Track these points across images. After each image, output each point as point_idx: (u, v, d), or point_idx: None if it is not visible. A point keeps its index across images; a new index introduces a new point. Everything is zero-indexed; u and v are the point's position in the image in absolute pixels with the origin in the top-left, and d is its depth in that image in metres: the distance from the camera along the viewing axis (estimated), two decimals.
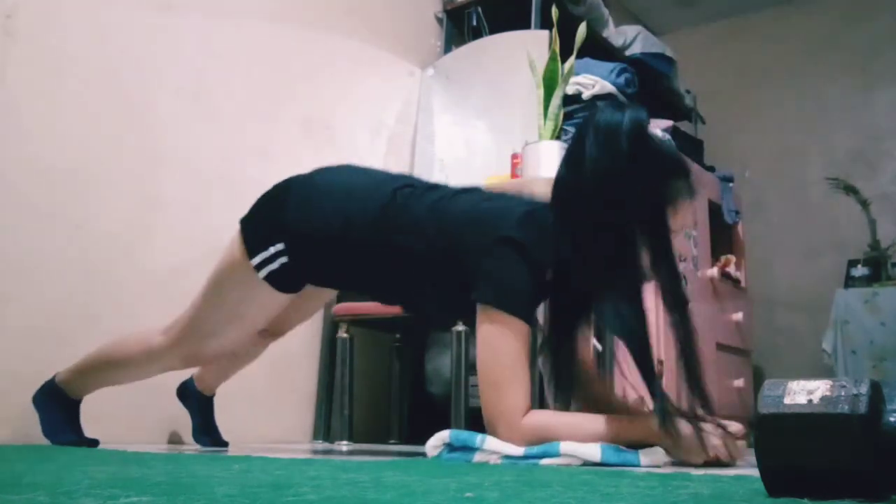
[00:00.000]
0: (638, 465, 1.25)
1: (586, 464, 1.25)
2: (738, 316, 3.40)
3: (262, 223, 1.57)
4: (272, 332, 1.82)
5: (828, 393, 0.66)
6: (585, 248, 1.36)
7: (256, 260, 1.53)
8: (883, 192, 4.12)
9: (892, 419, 0.66)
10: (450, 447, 1.36)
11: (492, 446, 1.32)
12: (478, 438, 1.34)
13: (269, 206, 1.59)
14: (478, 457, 1.32)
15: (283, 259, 1.52)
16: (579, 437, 1.32)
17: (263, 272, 1.53)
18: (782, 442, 0.66)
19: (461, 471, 1.05)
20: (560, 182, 1.42)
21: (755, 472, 0.71)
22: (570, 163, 1.40)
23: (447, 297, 1.52)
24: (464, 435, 1.36)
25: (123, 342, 1.73)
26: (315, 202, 1.53)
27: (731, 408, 3.21)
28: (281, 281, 1.55)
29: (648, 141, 1.37)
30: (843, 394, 0.65)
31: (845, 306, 3.61)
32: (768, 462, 0.68)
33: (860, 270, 3.82)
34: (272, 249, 1.52)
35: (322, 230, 1.50)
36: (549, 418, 1.38)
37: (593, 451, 1.26)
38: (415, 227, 1.45)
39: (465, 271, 1.40)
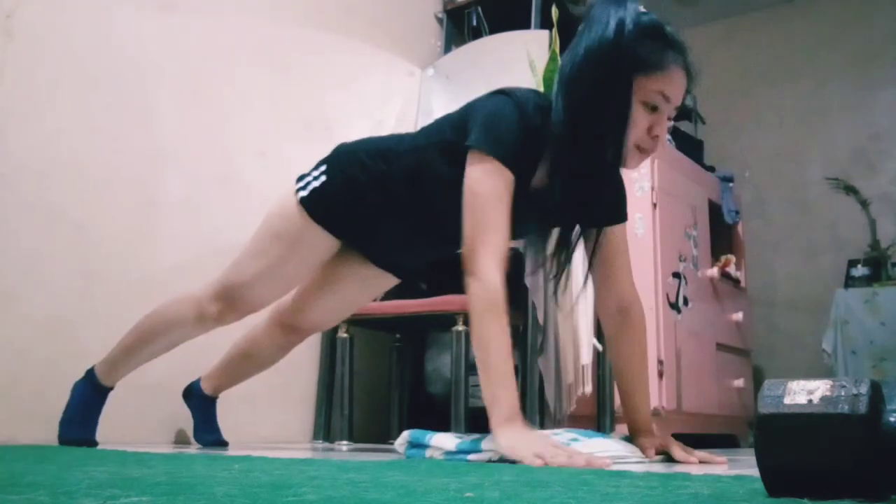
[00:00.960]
0: None
1: (503, 459, 1.30)
2: (738, 316, 3.40)
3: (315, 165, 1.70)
4: (295, 328, 1.84)
5: (828, 393, 0.66)
6: (578, 118, 1.40)
7: (299, 185, 1.65)
8: (883, 192, 4.12)
9: (892, 419, 0.66)
10: (410, 444, 1.50)
11: (437, 443, 1.44)
12: (427, 436, 1.47)
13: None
14: (428, 452, 1.45)
15: (323, 178, 1.63)
16: (484, 350, 1.35)
17: (303, 192, 1.63)
18: (782, 442, 0.66)
19: (461, 471, 1.05)
20: (562, 65, 1.48)
21: (755, 472, 0.71)
22: (570, 53, 1.46)
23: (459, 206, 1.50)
24: (418, 434, 1.49)
25: (161, 304, 1.78)
26: (359, 142, 1.70)
27: (731, 408, 3.21)
28: (316, 204, 1.62)
29: (640, 23, 1.39)
30: (843, 394, 0.65)
31: (845, 306, 3.61)
32: (768, 462, 0.68)
33: (860, 270, 3.82)
34: (315, 172, 1.66)
35: (361, 147, 1.66)
36: (502, 302, 1.37)
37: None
38: (433, 127, 1.61)
39: (465, 138, 1.46)
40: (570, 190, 1.47)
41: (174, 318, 1.76)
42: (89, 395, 1.80)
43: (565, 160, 1.44)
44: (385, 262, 1.77)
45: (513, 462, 1.26)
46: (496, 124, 1.43)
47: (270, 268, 1.68)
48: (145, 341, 1.78)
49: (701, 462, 1.44)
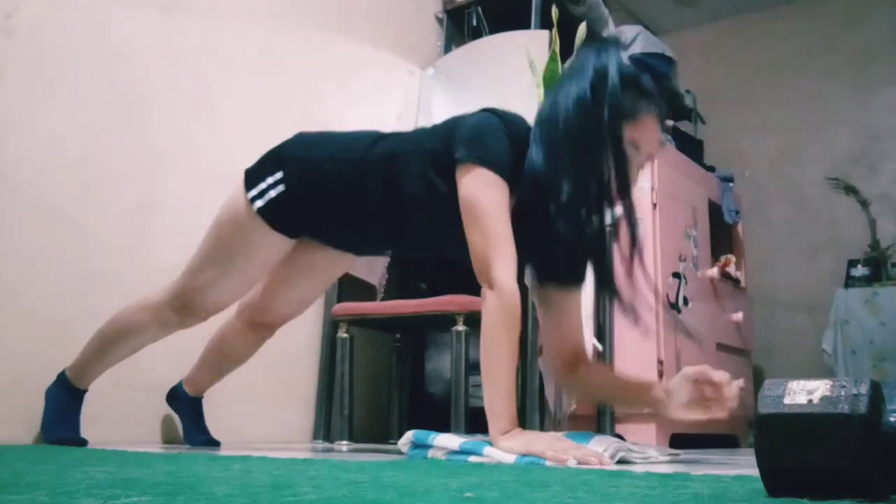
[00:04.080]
0: (542, 465, 1.28)
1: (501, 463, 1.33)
2: (738, 316, 3.40)
3: (262, 162, 1.63)
4: (262, 324, 1.83)
5: (828, 393, 0.66)
6: (555, 159, 1.40)
7: (253, 192, 1.58)
8: (883, 192, 4.12)
9: (892, 419, 0.66)
10: (413, 444, 1.51)
11: (440, 443, 1.45)
12: (430, 437, 1.47)
13: (271, 151, 1.65)
14: (431, 452, 1.46)
15: (281, 188, 1.57)
16: (490, 364, 1.37)
17: (260, 202, 1.57)
18: (782, 442, 0.66)
19: (461, 471, 1.05)
20: (541, 108, 1.49)
21: (755, 472, 0.70)
22: (550, 93, 1.49)
23: (440, 217, 1.50)
24: (421, 434, 1.50)
25: (121, 310, 1.77)
26: (316, 140, 1.63)
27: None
28: (275, 214, 1.57)
29: (615, 75, 1.40)
30: (843, 394, 0.65)
31: (845, 306, 3.61)
32: (768, 462, 0.68)
33: (860, 270, 3.82)
34: (270, 180, 1.58)
35: (322, 154, 1.58)
36: (506, 335, 1.37)
37: (507, 458, 1.32)
38: (408, 137, 1.58)
39: (447, 154, 1.45)
40: (535, 234, 1.46)
41: (136, 324, 1.75)
42: (64, 398, 1.80)
43: (536, 199, 1.43)
44: (345, 247, 1.75)
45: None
46: (485, 137, 1.44)
47: (226, 272, 1.66)
48: (110, 346, 1.78)
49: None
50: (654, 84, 1.45)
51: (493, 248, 1.38)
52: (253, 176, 1.62)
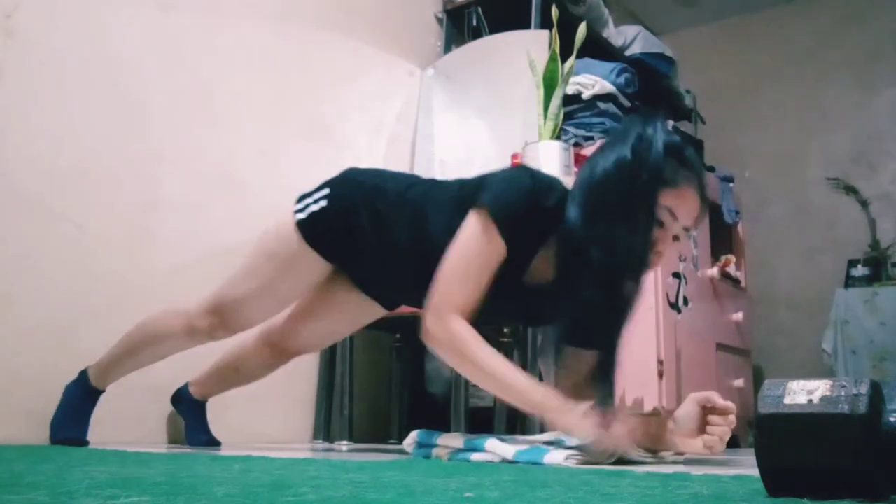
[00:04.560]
0: (541, 464, 1.27)
1: (504, 460, 1.33)
2: (738, 316, 3.40)
3: (317, 186, 1.68)
4: (285, 350, 1.85)
5: (828, 393, 0.66)
6: (592, 221, 1.38)
7: (298, 206, 1.63)
8: (883, 192, 4.12)
9: (892, 419, 0.66)
10: (418, 444, 1.52)
11: (444, 442, 1.45)
12: (434, 436, 1.49)
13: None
14: (435, 452, 1.46)
15: (323, 202, 1.61)
16: (484, 371, 1.36)
17: (301, 214, 1.61)
18: (782, 442, 0.66)
19: (461, 471, 1.05)
20: (582, 170, 1.48)
21: (755, 472, 0.70)
22: (589, 161, 1.46)
23: None
24: (425, 434, 1.52)
25: (155, 315, 1.79)
26: (366, 170, 1.74)
27: None
28: (312, 228, 1.61)
29: (660, 140, 1.39)
30: (843, 394, 0.65)
31: (845, 306, 3.61)
32: (768, 462, 0.68)
33: (860, 270, 3.82)
34: (316, 195, 1.64)
35: (367, 178, 1.66)
36: (472, 339, 1.38)
37: (507, 452, 1.33)
38: (445, 183, 1.62)
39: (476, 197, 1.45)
40: (573, 293, 1.43)
41: (164, 331, 1.77)
42: (80, 397, 1.81)
43: (575, 257, 1.41)
44: (374, 292, 1.77)
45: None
46: (508, 194, 1.43)
47: (263, 287, 1.67)
48: (136, 351, 1.80)
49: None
50: (697, 158, 1.44)
51: (451, 293, 1.39)
52: (303, 195, 1.67)
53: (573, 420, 1.29)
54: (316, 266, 1.66)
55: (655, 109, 1.43)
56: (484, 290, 1.40)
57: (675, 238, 1.44)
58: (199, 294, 1.76)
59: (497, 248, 1.40)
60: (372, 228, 1.60)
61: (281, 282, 1.68)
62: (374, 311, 1.83)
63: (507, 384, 1.36)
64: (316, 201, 1.63)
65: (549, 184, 1.47)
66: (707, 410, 1.42)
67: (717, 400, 1.40)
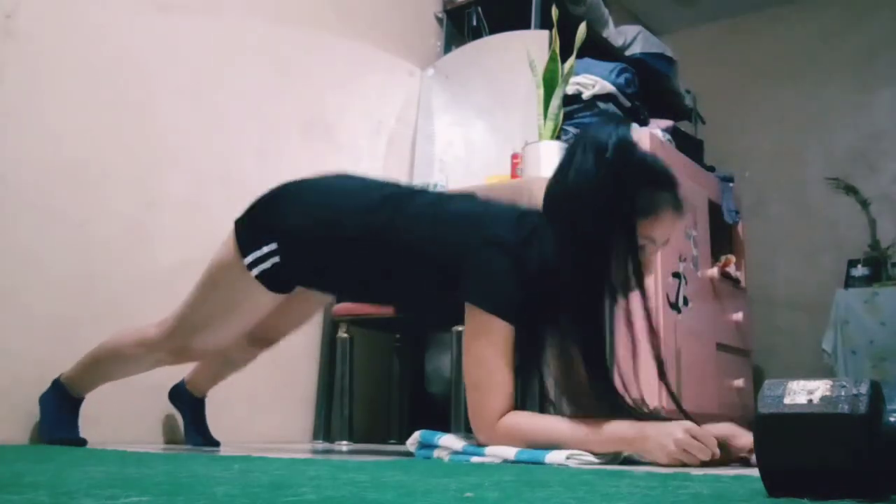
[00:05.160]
0: (542, 463, 1.29)
1: (505, 461, 1.33)
2: (738, 316, 3.40)
3: (254, 224, 1.59)
4: (263, 339, 1.84)
5: (828, 393, 0.66)
6: (563, 254, 1.38)
7: (249, 259, 1.55)
8: (883, 192, 4.12)
9: (892, 419, 0.66)
10: (420, 444, 1.51)
11: (445, 443, 1.45)
12: (436, 437, 1.49)
13: (263, 207, 1.61)
14: (436, 452, 1.46)
15: (276, 259, 1.54)
16: (548, 440, 1.35)
17: (256, 271, 1.55)
18: (782, 442, 0.66)
19: (461, 471, 1.05)
20: (549, 189, 1.46)
21: (755, 472, 0.71)
22: (559, 172, 1.44)
23: (436, 295, 1.53)
24: (427, 434, 1.51)
25: (120, 335, 1.77)
26: (307, 202, 1.58)
27: (731, 408, 3.21)
28: (272, 281, 1.57)
29: (632, 154, 1.39)
30: (843, 394, 0.65)
31: (845, 306, 3.60)
32: (768, 462, 0.68)
33: (860, 270, 3.81)
34: (265, 249, 1.54)
35: (313, 229, 1.54)
36: (521, 421, 1.40)
37: (508, 453, 1.34)
38: (407, 225, 1.49)
39: (454, 269, 1.43)
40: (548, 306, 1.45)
41: (131, 357, 1.75)
42: (60, 403, 1.79)
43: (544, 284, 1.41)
44: (345, 299, 1.82)
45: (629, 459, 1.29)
46: (492, 282, 1.41)
47: (222, 320, 1.65)
48: (104, 368, 1.79)
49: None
50: (664, 167, 1.44)
51: (485, 399, 1.39)
52: (246, 239, 1.57)
53: (651, 443, 1.29)
54: (279, 299, 1.64)
55: (613, 118, 1.41)
56: (512, 373, 1.40)
57: (653, 253, 1.45)
58: None
59: (507, 332, 1.40)
60: (334, 264, 1.56)
61: (239, 315, 1.65)
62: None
63: (575, 440, 1.34)
64: (267, 256, 1.54)
65: (523, 239, 1.42)
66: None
67: (738, 438, 1.38)
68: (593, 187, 1.35)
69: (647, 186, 1.39)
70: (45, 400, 1.80)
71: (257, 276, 1.55)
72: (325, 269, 1.58)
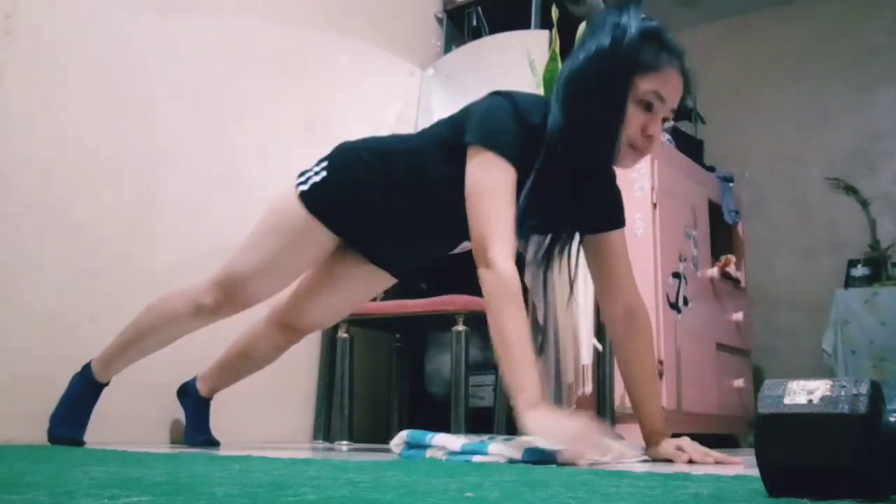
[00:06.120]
0: (555, 462, 1.26)
1: (511, 461, 1.30)
2: (738, 316, 3.40)
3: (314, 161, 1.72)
4: (292, 328, 1.85)
5: (828, 393, 0.66)
6: (575, 111, 1.42)
7: (300, 180, 1.67)
8: (883, 192, 4.12)
9: (892, 419, 0.66)
10: (408, 445, 1.48)
11: (439, 442, 1.42)
12: (427, 437, 1.45)
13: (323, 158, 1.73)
14: (429, 452, 1.43)
15: (324, 173, 1.64)
16: (504, 350, 1.34)
17: (303, 186, 1.64)
18: (782, 442, 0.66)
19: (461, 471, 1.05)
20: (561, 70, 1.50)
21: (755, 472, 0.71)
22: (572, 55, 1.50)
23: (459, 204, 1.49)
24: (417, 434, 1.47)
25: (158, 298, 1.79)
26: (359, 140, 1.72)
27: (731, 408, 3.21)
28: (315, 198, 1.63)
29: (637, 30, 1.42)
30: (843, 394, 0.65)
31: (845, 306, 3.61)
32: (768, 462, 0.68)
33: (860, 270, 3.82)
34: (316, 168, 1.67)
35: (361, 145, 1.68)
36: (513, 315, 1.35)
37: (516, 453, 1.30)
38: (431, 130, 1.64)
39: (462, 137, 1.48)
40: (565, 191, 1.48)
41: (171, 311, 1.76)
42: (83, 392, 1.80)
43: (559, 159, 1.44)
44: (383, 261, 1.77)
45: (542, 456, 1.25)
46: (493, 121, 1.46)
47: (269, 261, 1.68)
48: (143, 335, 1.79)
49: (717, 463, 1.42)
50: (676, 41, 1.48)
51: (493, 230, 1.39)
52: (305, 171, 1.70)
53: (532, 419, 1.27)
54: (321, 237, 1.67)
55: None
56: (513, 218, 1.41)
57: (665, 119, 1.47)
58: None
59: (508, 174, 1.42)
60: (374, 189, 1.62)
61: (287, 255, 1.68)
62: (383, 281, 1.84)
63: (514, 351, 1.33)
64: (316, 173, 1.66)
65: (530, 101, 1.50)
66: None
67: (692, 455, 1.45)
68: (600, 55, 1.41)
69: (653, 44, 1.42)
70: (71, 384, 1.81)
71: (302, 194, 1.63)
72: (364, 190, 1.62)
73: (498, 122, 1.45)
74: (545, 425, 1.25)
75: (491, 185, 1.41)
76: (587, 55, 1.42)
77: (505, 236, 1.39)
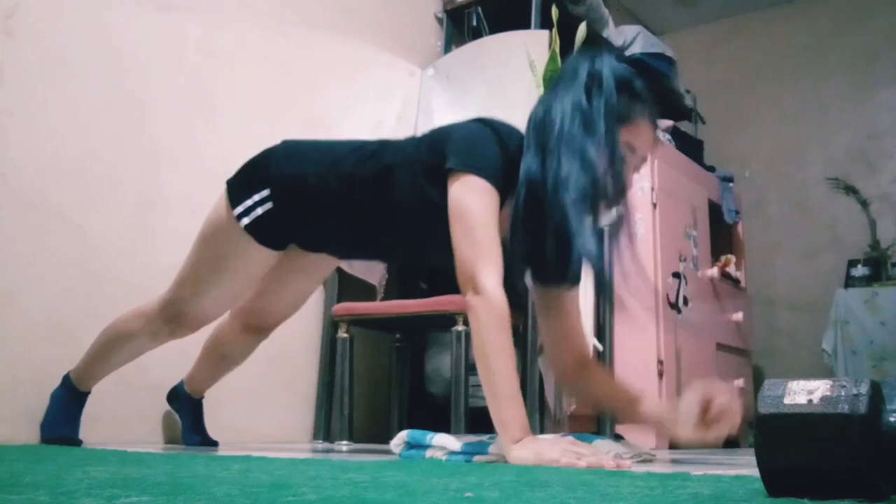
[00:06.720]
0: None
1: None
2: (738, 316, 3.40)
3: (246, 176, 1.62)
4: (257, 328, 1.84)
5: (828, 393, 0.66)
6: (550, 162, 1.39)
7: (239, 209, 1.57)
8: (883, 192, 4.12)
9: (892, 419, 0.66)
10: (408, 445, 1.47)
11: (439, 442, 1.41)
12: (427, 437, 1.45)
13: (255, 162, 1.64)
14: (429, 452, 1.42)
15: (268, 205, 1.56)
16: (488, 379, 1.32)
17: (246, 220, 1.56)
18: (782, 442, 0.66)
19: (461, 471, 1.05)
20: (534, 113, 1.49)
21: (755, 472, 0.70)
22: (542, 99, 1.50)
23: (433, 227, 1.47)
24: (417, 434, 1.47)
25: (119, 317, 1.79)
26: (301, 151, 1.61)
27: None
28: (263, 231, 1.57)
29: (611, 79, 1.41)
30: (843, 394, 0.65)
31: (845, 306, 3.61)
32: (768, 462, 0.68)
33: (860, 270, 3.82)
34: (256, 197, 1.57)
35: (309, 169, 1.56)
36: (502, 325, 1.34)
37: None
38: (399, 147, 1.55)
39: (441, 160, 1.44)
40: (530, 238, 1.44)
41: (128, 332, 1.76)
42: (67, 399, 1.81)
43: (532, 205, 1.41)
44: (338, 255, 1.78)
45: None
46: (475, 146, 1.43)
47: (215, 284, 1.66)
48: (108, 353, 1.80)
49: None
50: (646, 88, 1.45)
51: (480, 255, 1.36)
52: (237, 191, 1.60)
53: (516, 451, 1.27)
54: (270, 258, 1.64)
55: (598, 44, 1.44)
56: (499, 244, 1.39)
57: (635, 170, 1.46)
58: None
59: (494, 199, 1.40)
60: (329, 213, 1.57)
61: (232, 277, 1.66)
62: (332, 262, 1.83)
63: (501, 382, 1.31)
64: (259, 204, 1.57)
65: (507, 129, 1.49)
66: (709, 401, 1.42)
67: (716, 392, 1.42)
68: (577, 111, 1.39)
69: (624, 93, 1.41)
70: (53, 396, 1.82)
71: (248, 227, 1.56)
72: (319, 213, 1.57)
73: (482, 146, 1.43)
74: (528, 456, 1.25)
75: (478, 211, 1.38)
76: (563, 106, 1.40)
77: (494, 261, 1.37)
